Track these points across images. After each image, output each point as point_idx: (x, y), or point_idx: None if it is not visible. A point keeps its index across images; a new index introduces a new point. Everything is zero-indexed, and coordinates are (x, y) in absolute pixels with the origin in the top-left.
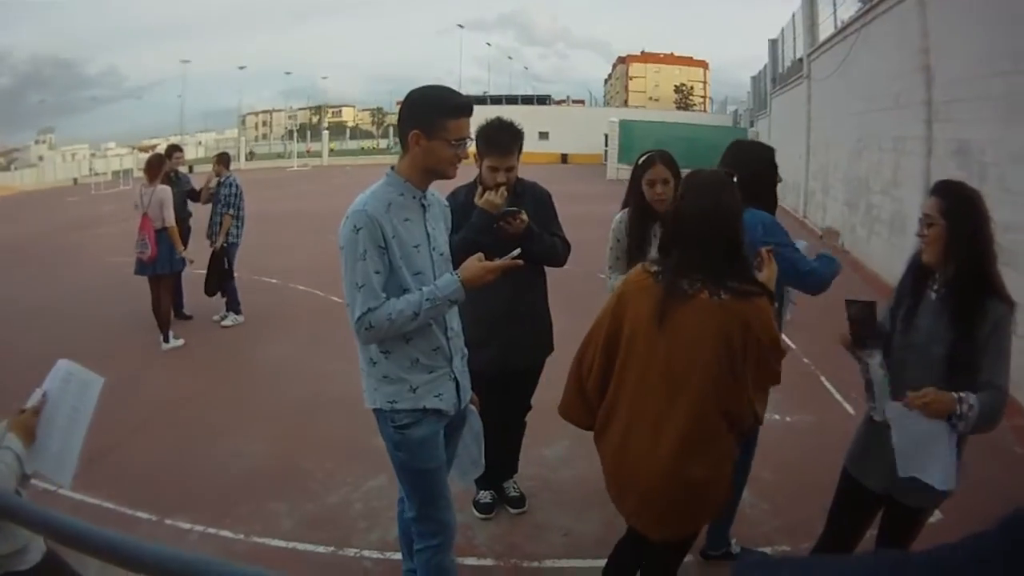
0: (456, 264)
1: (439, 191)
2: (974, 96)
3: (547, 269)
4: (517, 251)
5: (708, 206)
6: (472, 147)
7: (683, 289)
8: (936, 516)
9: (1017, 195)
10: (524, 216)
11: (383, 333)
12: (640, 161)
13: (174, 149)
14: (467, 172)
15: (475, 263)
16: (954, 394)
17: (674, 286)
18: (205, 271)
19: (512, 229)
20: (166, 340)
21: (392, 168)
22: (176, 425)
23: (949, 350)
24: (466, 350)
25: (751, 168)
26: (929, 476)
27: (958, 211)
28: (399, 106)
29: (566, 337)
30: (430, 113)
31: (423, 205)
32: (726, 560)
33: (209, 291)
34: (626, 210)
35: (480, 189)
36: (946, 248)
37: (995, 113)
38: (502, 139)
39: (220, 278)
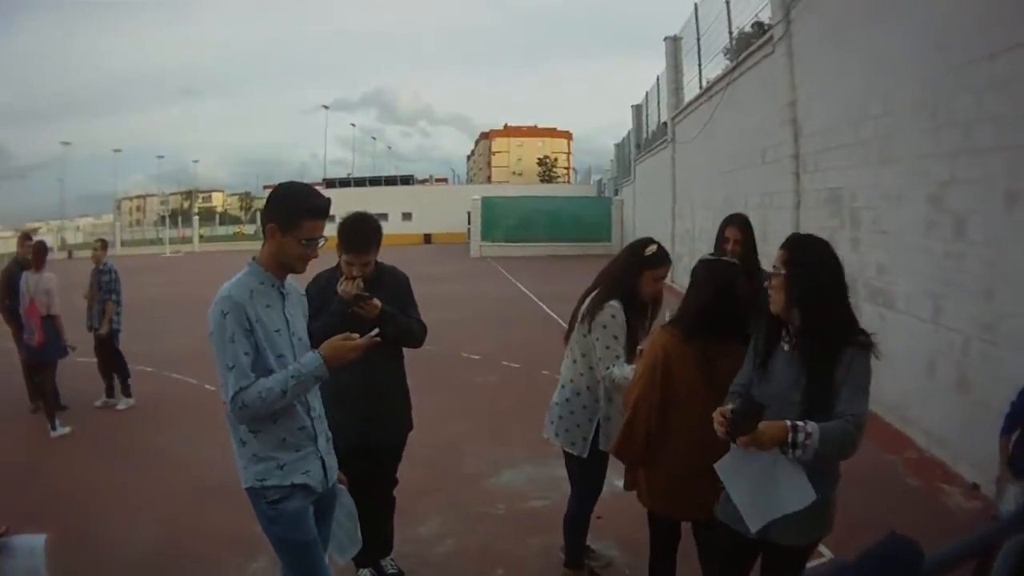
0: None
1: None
2: (844, 143)
3: (407, 349)
4: (376, 330)
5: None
6: (331, 240)
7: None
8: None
9: (891, 236)
10: (376, 301)
11: (256, 410)
12: (647, 253)
13: (25, 237)
14: (328, 258)
15: (337, 341)
16: (786, 422)
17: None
18: (95, 359)
19: (365, 313)
20: (53, 428)
21: (253, 258)
22: (67, 514)
23: (804, 395)
24: (330, 432)
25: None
26: (782, 507)
27: (801, 260)
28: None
29: (431, 413)
30: (287, 210)
31: (281, 293)
32: None
33: (106, 376)
34: (617, 302)
35: (342, 277)
36: (788, 297)
37: (866, 157)
38: (359, 240)
39: (111, 362)
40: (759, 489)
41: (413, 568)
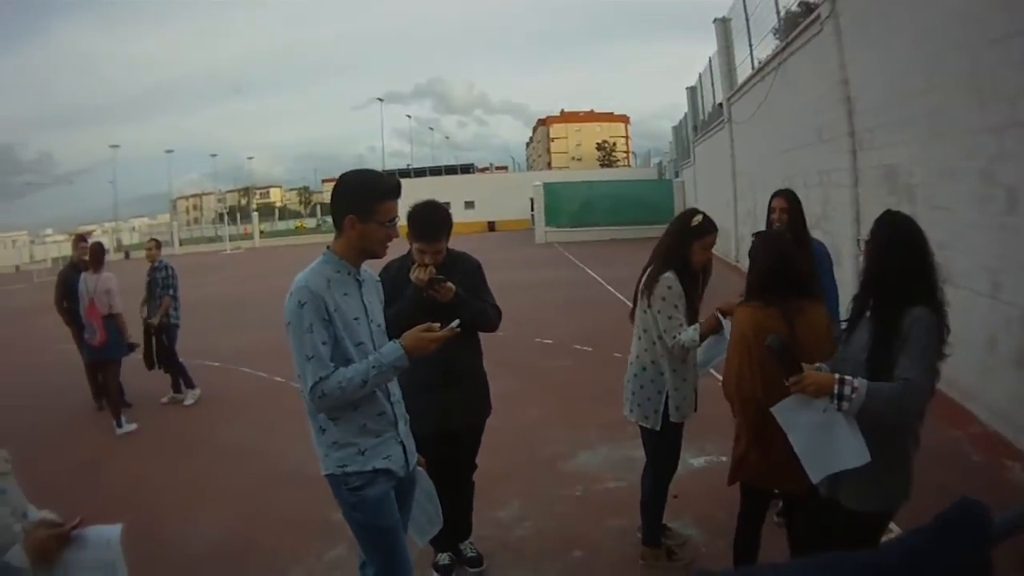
0: (392, 335)
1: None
2: (896, 120)
3: (482, 335)
4: (456, 321)
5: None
6: (403, 224)
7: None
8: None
9: (945, 211)
10: (450, 284)
11: (335, 400)
12: (694, 223)
13: (80, 239)
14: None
15: (417, 332)
16: (835, 375)
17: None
18: (142, 351)
19: (440, 297)
20: (119, 425)
21: (328, 247)
22: (137, 508)
23: (869, 353)
24: (407, 416)
25: None
26: (841, 464)
27: (877, 233)
28: (330, 187)
29: (507, 398)
30: (362, 198)
31: (358, 281)
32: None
33: (150, 365)
34: (671, 273)
35: (415, 264)
36: (867, 264)
37: (917, 134)
38: (430, 227)
39: (160, 355)
40: (815, 438)
41: (492, 551)
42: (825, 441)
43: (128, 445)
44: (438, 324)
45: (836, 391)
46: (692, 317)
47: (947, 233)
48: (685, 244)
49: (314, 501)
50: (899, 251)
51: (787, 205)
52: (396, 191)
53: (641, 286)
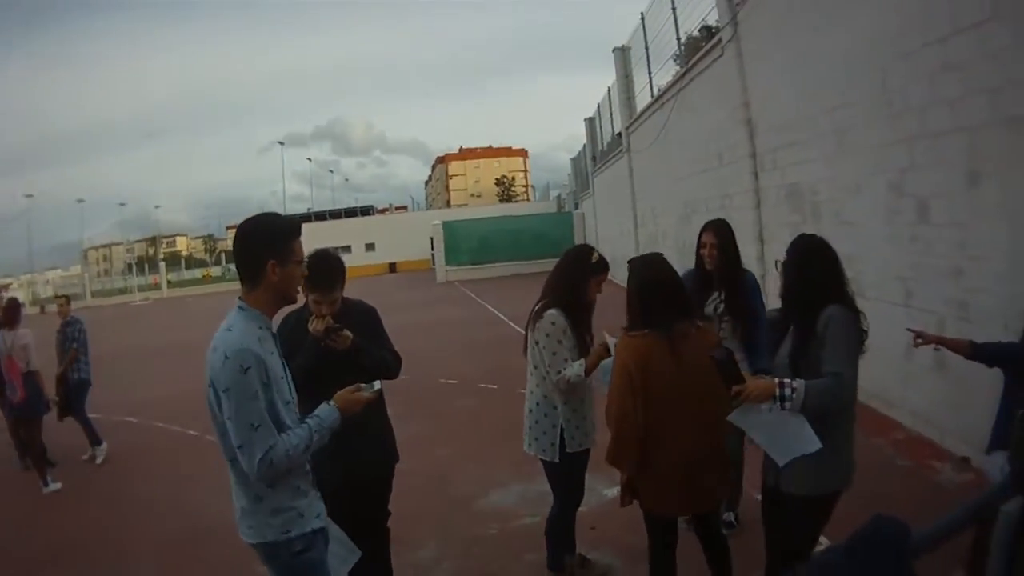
0: (296, 389)
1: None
2: (799, 139)
3: (384, 381)
4: (378, 384)
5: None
6: None
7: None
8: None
9: (853, 226)
10: (347, 332)
11: (281, 470)
12: (594, 260)
13: None
14: None
15: (348, 393)
16: (774, 379)
17: (671, 331)
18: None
19: (338, 346)
20: (45, 484)
21: (243, 300)
22: (68, 567)
23: (790, 354)
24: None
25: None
26: (800, 449)
27: (792, 253)
28: (235, 237)
29: (416, 440)
30: (278, 240)
31: (273, 335)
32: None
33: (61, 416)
34: (555, 310)
35: (312, 316)
36: (785, 280)
37: (823, 152)
38: (325, 277)
39: (71, 407)
40: (772, 433)
41: None
42: (781, 433)
43: (55, 503)
44: (363, 384)
45: (778, 394)
46: (584, 350)
47: (856, 246)
48: (583, 280)
49: (233, 553)
50: (810, 264)
51: (716, 240)
52: (300, 228)
53: (528, 322)
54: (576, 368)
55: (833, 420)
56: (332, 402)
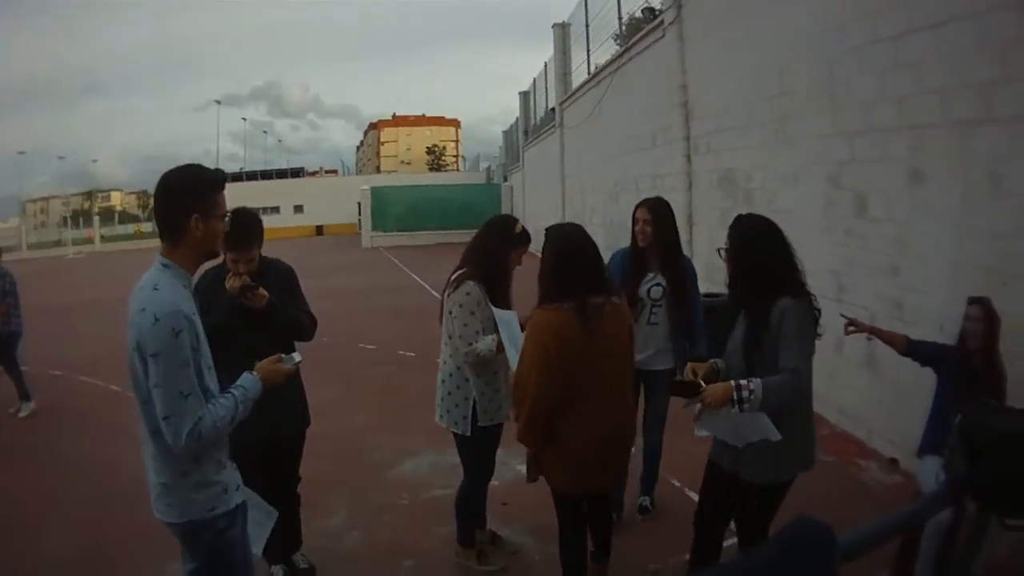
0: (210, 347)
1: None
2: (737, 125)
3: (300, 344)
4: (298, 356)
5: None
6: None
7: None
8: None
9: (787, 214)
10: (262, 291)
11: (209, 442)
12: (518, 231)
13: None
14: None
15: (271, 364)
16: (730, 383)
17: (587, 305)
18: None
19: (253, 304)
20: None
21: (165, 257)
22: None
23: (743, 347)
24: None
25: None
26: (759, 437)
27: (734, 237)
28: (157, 189)
29: (330, 405)
30: (203, 193)
31: (193, 295)
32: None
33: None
34: (471, 282)
35: (229, 274)
36: (732, 267)
37: (761, 139)
38: (243, 235)
39: (5, 364)
40: (735, 431)
41: (323, 563)
42: (742, 429)
43: None
44: (284, 356)
45: (735, 396)
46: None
47: (790, 236)
48: (505, 250)
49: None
50: (755, 249)
51: (649, 216)
52: (224, 180)
53: (444, 289)
54: (488, 343)
55: (787, 412)
56: (255, 372)
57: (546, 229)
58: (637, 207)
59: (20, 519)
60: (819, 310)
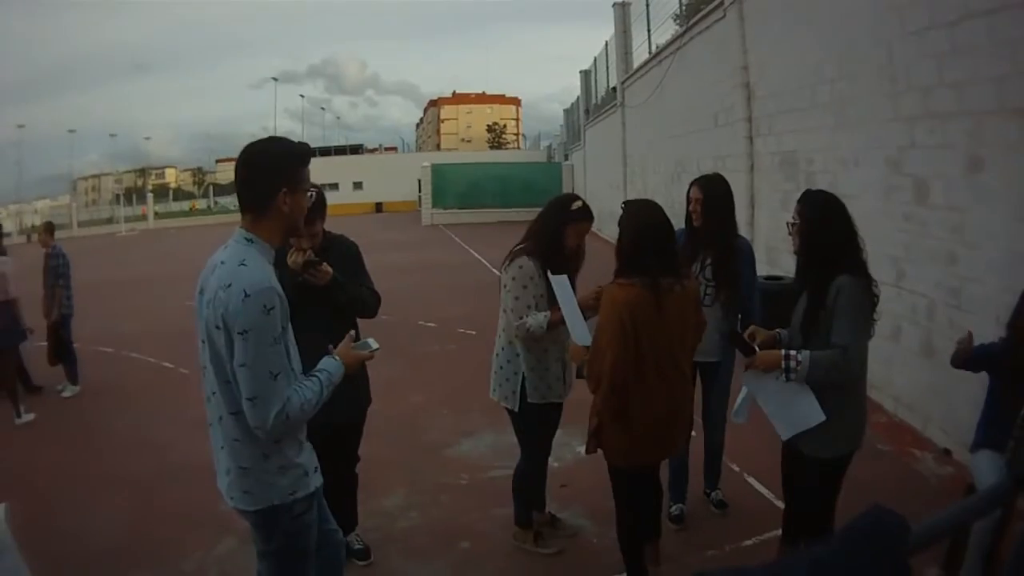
0: None
1: None
2: (798, 108)
3: (362, 321)
4: (376, 344)
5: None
6: None
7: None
8: None
9: (849, 199)
10: (326, 266)
11: (296, 425)
12: (574, 207)
13: None
14: None
15: (350, 349)
16: (781, 351)
17: (659, 284)
18: (46, 343)
19: (317, 281)
20: (18, 415)
21: (249, 232)
22: (34, 500)
23: (801, 322)
24: None
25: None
26: (803, 424)
27: (803, 212)
28: (224, 167)
29: (390, 384)
30: (291, 167)
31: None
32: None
33: (52, 362)
34: (526, 256)
35: (292, 249)
36: (800, 240)
37: (821, 122)
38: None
39: (59, 349)
40: (780, 403)
41: (378, 543)
42: (787, 405)
43: (26, 434)
44: (358, 339)
45: (783, 366)
46: (553, 299)
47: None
48: (560, 226)
49: (202, 493)
50: (824, 224)
51: (700, 195)
52: (310, 155)
53: (503, 263)
54: (540, 319)
55: (840, 387)
56: (336, 356)
57: (624, 203)
58: (691, 185)
59: (69, 499)
60: (878, 296)
